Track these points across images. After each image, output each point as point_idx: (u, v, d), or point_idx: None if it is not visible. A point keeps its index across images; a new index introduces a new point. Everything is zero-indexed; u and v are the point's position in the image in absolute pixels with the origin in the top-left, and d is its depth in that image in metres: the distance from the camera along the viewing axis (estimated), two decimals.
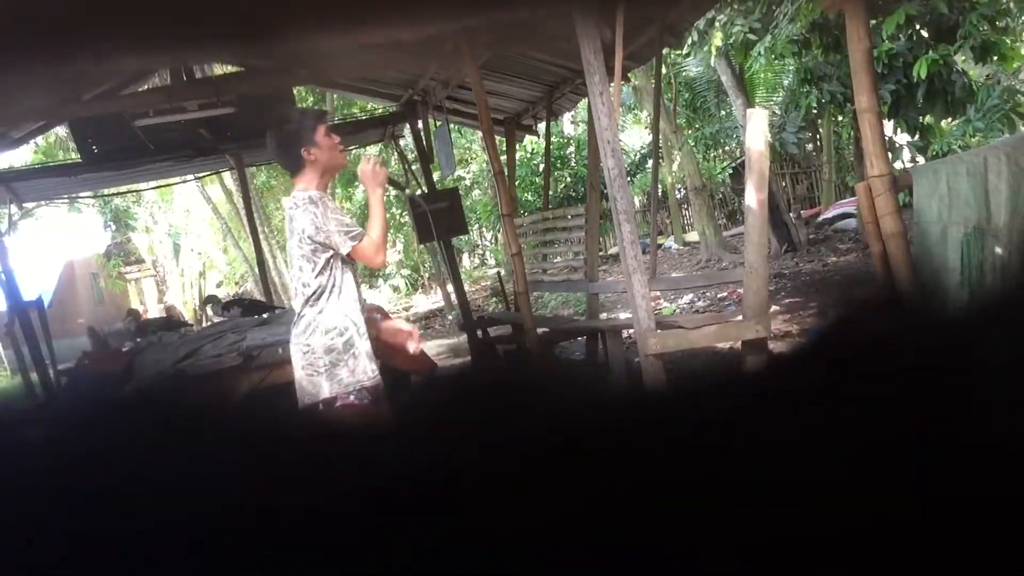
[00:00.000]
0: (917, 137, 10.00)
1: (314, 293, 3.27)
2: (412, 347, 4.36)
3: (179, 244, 24.63)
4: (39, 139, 12.44)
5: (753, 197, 3.91)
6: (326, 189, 3.46)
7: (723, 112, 16.84)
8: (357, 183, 17.08)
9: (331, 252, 3.27)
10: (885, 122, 6.75)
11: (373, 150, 11.56)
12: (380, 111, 10.40)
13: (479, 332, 7.69)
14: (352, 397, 3.26)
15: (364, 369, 3.29)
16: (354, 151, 10.08)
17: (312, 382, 3.28)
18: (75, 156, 8.63)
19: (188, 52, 4.94)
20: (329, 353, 3.27)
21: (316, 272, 3.26)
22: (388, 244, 3.43)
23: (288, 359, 3.83)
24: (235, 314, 6.95)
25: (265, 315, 6.45)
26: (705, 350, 5.06)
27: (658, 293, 10.42)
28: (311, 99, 14.71)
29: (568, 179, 17.28)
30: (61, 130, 11.93)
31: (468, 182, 19.71)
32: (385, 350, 3.78)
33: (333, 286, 3.28)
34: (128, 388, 0.41)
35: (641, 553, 0.30)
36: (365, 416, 3.22)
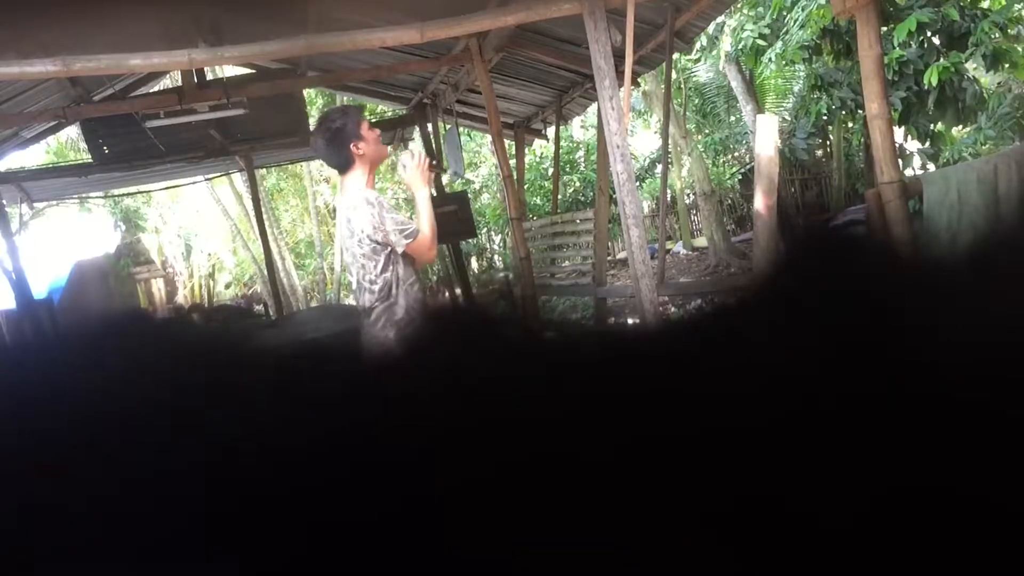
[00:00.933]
0: (928, 144, 9.97)
1: (382, 288, 3.43)
2: None
3: (191, 245, 24.69)
4: (50, 139, 12.49)
5: (762, 203, 3.90)
6: (374, 183, 3.60)
7: (733, 118, 16.80)
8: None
9: (390, 248, 3.42)
10: (896, 129, 6.72)
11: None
12: (390, 114, 10.42)
13: None
14: None
15: None
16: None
17: None
18: (86, 157, 8.66)
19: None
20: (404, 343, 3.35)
21: (380, 269, 3.42)
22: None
23: None
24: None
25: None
26: None
27: (666, 298, 10.40)
28: (321, 101, 14.73)
29: (577, 183, 17.25)
30: (73, 131, 11.98)
31: (477, 186, 19.69)
32: None
33: (399, 279, 3.43)
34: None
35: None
36: None
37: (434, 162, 3.92)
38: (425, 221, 3.49)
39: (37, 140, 8.67)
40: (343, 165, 3.49)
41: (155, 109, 6.57)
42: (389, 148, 12.34)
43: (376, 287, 3.43)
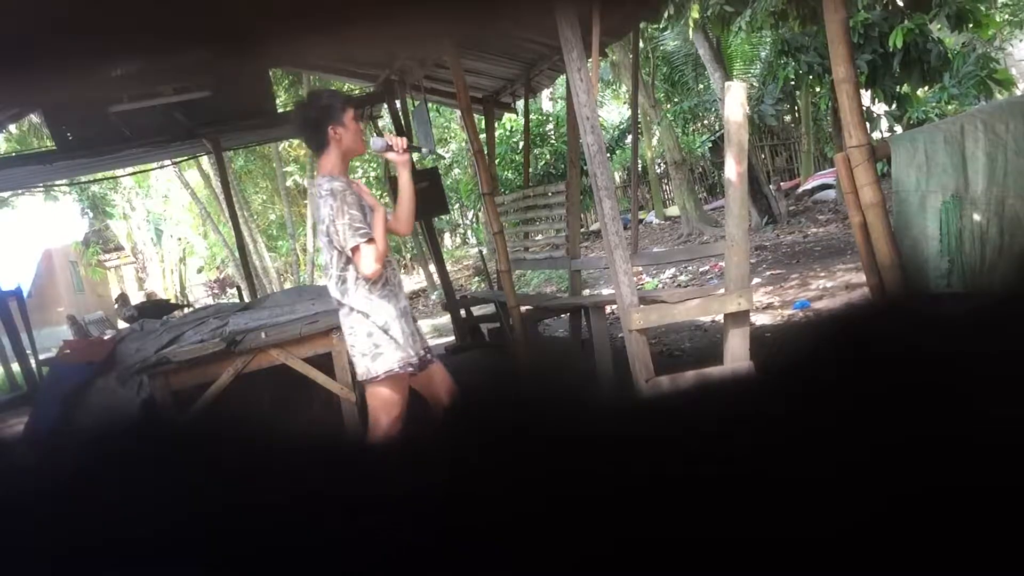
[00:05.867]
0: (894, 106, 10.03)
1: (342, 282, 3.34)
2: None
3: (161, 230, 24.42)
4: (12, 127, 12.28)
5: (733, 170, 3.91)
6: (347, 171, 3.46)
7: (701, 86, 16.81)
8: None
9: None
10: (862, 92, 6.76)
11: None
12: (357, 92, 10.32)
13: (462, 311, 7.70)
14: (385, 382, 3.35)
15: (396, 356, 3.34)
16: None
17: (357, 362, 3.40)
18: (50, 144, 8.52)
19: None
20: (368, 338, 3.34)
21: (339, 262, 3.31)
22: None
23: (270, 345, 4.61)
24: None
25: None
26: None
27: (640, 268, 10.45)
28: (287, 81, 14.57)
29: (548, 156, 17.23)
30: (35, 117, 11.79)
31: (448, 161, 19.62)
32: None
33: (356, 276, 3.32)
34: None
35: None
36: (392, 401, 3.36)
37: (412, 144, 3.80)
38: (380, 230, 3.33)
39: None
40: (317, 146, 3.39)
41: (118, 93, 6.47)
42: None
43: (335, 280, 3.35)
